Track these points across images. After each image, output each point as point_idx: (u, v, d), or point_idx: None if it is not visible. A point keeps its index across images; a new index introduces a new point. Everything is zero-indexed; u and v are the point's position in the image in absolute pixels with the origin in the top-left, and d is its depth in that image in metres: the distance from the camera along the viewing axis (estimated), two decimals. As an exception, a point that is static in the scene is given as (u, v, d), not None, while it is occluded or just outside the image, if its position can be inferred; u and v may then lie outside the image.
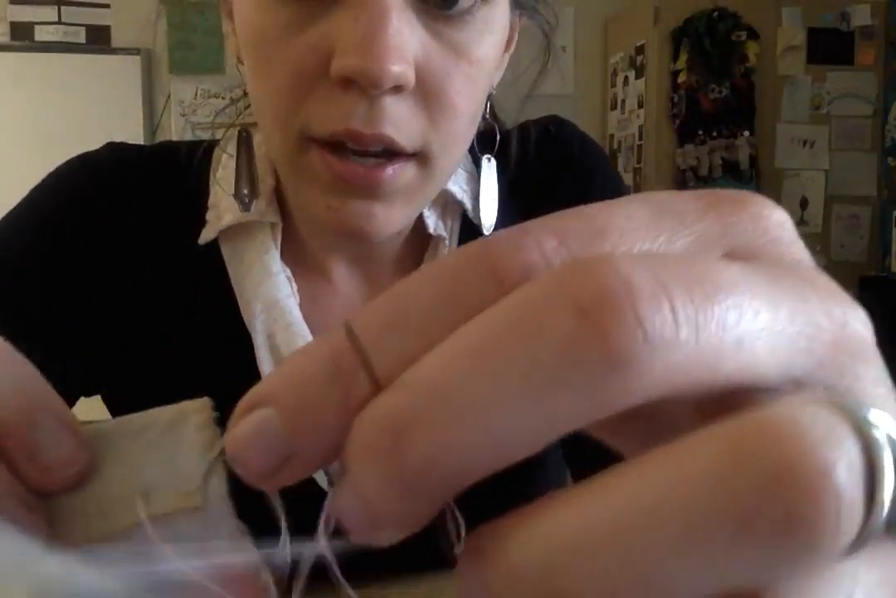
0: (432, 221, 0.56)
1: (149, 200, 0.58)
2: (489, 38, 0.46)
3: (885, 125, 3.59)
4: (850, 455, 0.12)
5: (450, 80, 0.44)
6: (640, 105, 3.59)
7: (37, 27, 3.28)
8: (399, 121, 0.43)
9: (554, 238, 0.15)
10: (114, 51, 3.32)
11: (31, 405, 0.20)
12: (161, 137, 3.35)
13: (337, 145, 0.44)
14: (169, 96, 3.39)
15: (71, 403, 0.57)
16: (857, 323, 0.17)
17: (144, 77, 3.36)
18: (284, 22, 0.43)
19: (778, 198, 3.50)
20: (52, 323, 0.55)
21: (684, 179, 3.44)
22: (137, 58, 3.34)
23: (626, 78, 3.73)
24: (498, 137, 0.57)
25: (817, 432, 0.12)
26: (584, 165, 0.61)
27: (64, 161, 0.60)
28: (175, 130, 3.37)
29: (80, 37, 3.32)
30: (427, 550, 0.58)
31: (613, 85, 3.86)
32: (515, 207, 0.59)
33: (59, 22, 3.29)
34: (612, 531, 0.12)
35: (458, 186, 0.57)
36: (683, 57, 3.39)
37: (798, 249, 0.18)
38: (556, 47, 0.59)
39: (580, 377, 0.13)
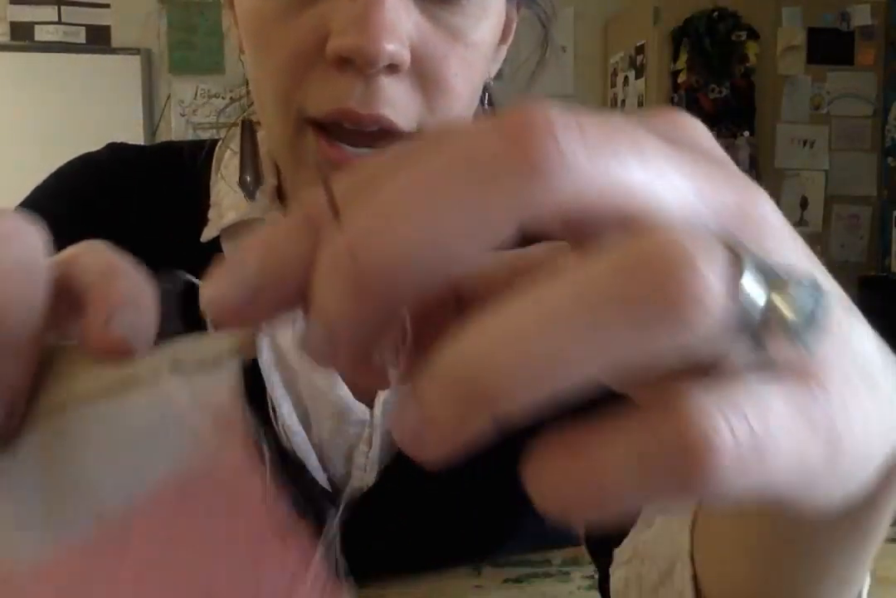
0: None
1: (150, 199, 0.58)
2: (485, 22, 0.46)
3: (885, 125, 3.59)
4: (714, 253, 0.15)
5: (446, 61, 0.45)
6: (640, 105, 3.59)
7: (37, 27, 3.28)
8: (395, 101, 0.44)
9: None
10: (114, 51, 3.32)
11: (118, 271, 0.22)
12: (161, 137, 3.35)
13: (334, 127, 0.44)
14: (169, 96, 3.39)
15: None
16: (769, 207, 0.18)
17: (144, 77, 3.36)
18: (283, 5, 0.44)
19: (778, 198, 3.50)
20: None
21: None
22: (137, 58, 3.34)
23: (626, 78, 3.73)
24: None
25: (691, 237, 0.15)
26: None
27: (65, 161, 0.61)
28: (175, 130, 3.37)
29: (80, 37, 3.32)
30: (427, 550, 0.58)
31: (613, 85, 3.86)
32: None
33: (59, 22, 3.29)
34: (531, 323, 0.14)
35: None
36: (683, 57, 3.39)
37: (718, 151, 0.20)
38: (553, 39, 0.59)
39: (506, 181, 0.15)
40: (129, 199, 0.58)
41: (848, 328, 0.19)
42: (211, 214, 0.56)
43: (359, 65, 0.42)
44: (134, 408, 0.18)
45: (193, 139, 0.62)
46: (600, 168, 0.15)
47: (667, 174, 0.16)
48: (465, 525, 0.60)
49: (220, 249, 0.56)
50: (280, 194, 0.56)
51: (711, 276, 0.14)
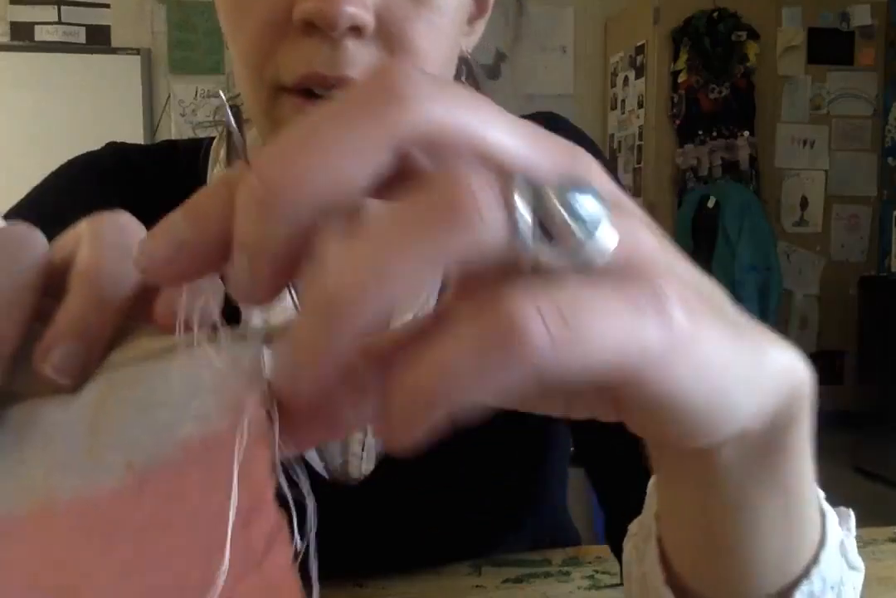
0: None
1: (149, 197, 0.58)
2: None
3: (885, 125, 3.59)
4: (489, 178, 0.19)
5: (410, 23, 0.45)
6: (640, 105, 3.60)
7: (37, 27, 3.28)
8: (362, 64, 0.45)
9: None
10: (114, 51, 3.32)
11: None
12: (161, 136, 3.35)
13: (306, 94, 0.46)
14: (169, 96, 3.39)
15: None
16: (590, 162, 0.22)
17: (144, 77, 3.36)
18: None
19: (778, 198, 3.51)
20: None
21: (684, 179, 3.44)
22: (137, 58, 3.34)
23: (626, 78, 3.73)
24: None
25: (475, 169, 0.19)
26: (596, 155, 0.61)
27: (65, 161, 0.61)
28: (175, 129, 3.37)
29: (80, 37, 3.32)
30: (427, 538, 0.58)
31: (613, 85, 3.86)
32: None
33: (59, 22, 3.30)
34: (366, 248, 0.18)
35: None
36: (683, 57, 3.39)
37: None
38: (526, 4, 0.60)
39: (374, 110, 0.19)
40: (129, 197, 0.58)
41: (663, 247, 0.22)
42: None
43: (323, 28, 0.43)
44: (171, 370, 0.21)
45: (193, 137, 0.62)
46: (448, 104, 0.20)
47: (503, 124, 0.20)
48: (466, 513, 0.60)
49: None
50: None
51: (481, 193, 0.18)
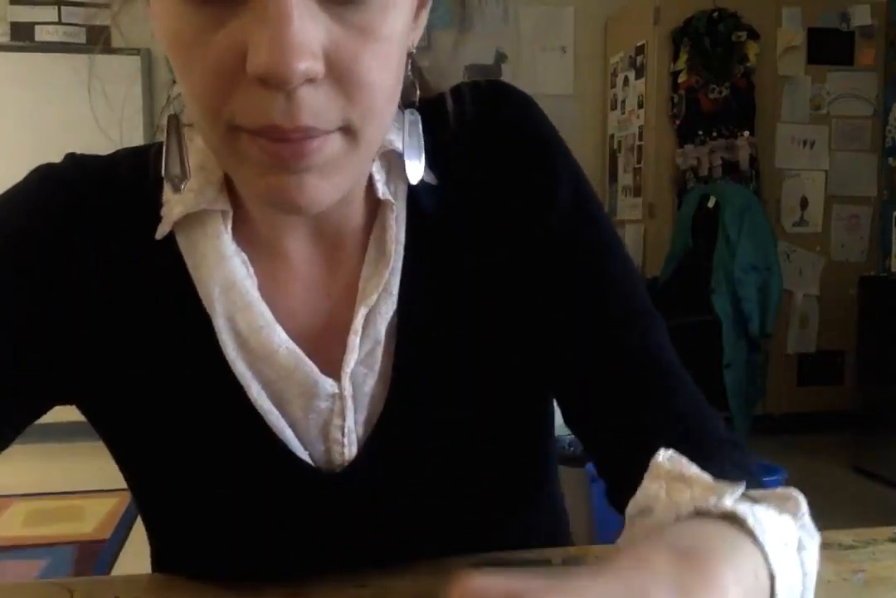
0: (381, 186, 0.58)
1: (110, 205, 0.59)
2: (392, 11, 0.48)
3: (885, 125, 3.60)
4: None
5: (359, 59, 0.46)
6: (640, 105, 3.60)
7: (37, 27, 3.29)
8: (318, 109, 0.46)
9: None
10: (114, 51, 3.33)
11: None
12: (161, 136, 3.35)
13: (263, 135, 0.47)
14: (169, 96, 3.39)
15: (42, 410, 0.58)
16: None
17: (144, 77, 3.36)
18: (197, 26, 0.46)
19: (778, 198, 3.51)
20: (16, 327, 0.56)
21: (684, 179, 3.44)
22: (137, 58, 3.34)
23: (626, 78, 3.73)
24: (419, 99, 0.59)
25: None
26: (539, 129, 0.61)
27: (30, 172, 0.61)
28: (175, 130, 3.37)
29: (81, 37, 3.32)
30: (415, 525, 0.58)
31: (613, 85, 3.86)
32: (464, 165, 0.60)
33: (60, 22, 3.30)
34: None
35: (401, 142, 0.58)
36: (683, 57, 3.40)
37: None
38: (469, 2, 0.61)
39: None
40: (90, 207, 0.59)
41: None
42: (163, 211, 0.57)
43: (276, 84, 0.44)
44: None
45: (158, 141, 0.63)
46: None
47: None
48: (455, 497, 0.60)
49: (176, 246, 0.57)
50: (229, 185, 0.57)
51: None
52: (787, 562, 0.40)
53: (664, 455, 0.49)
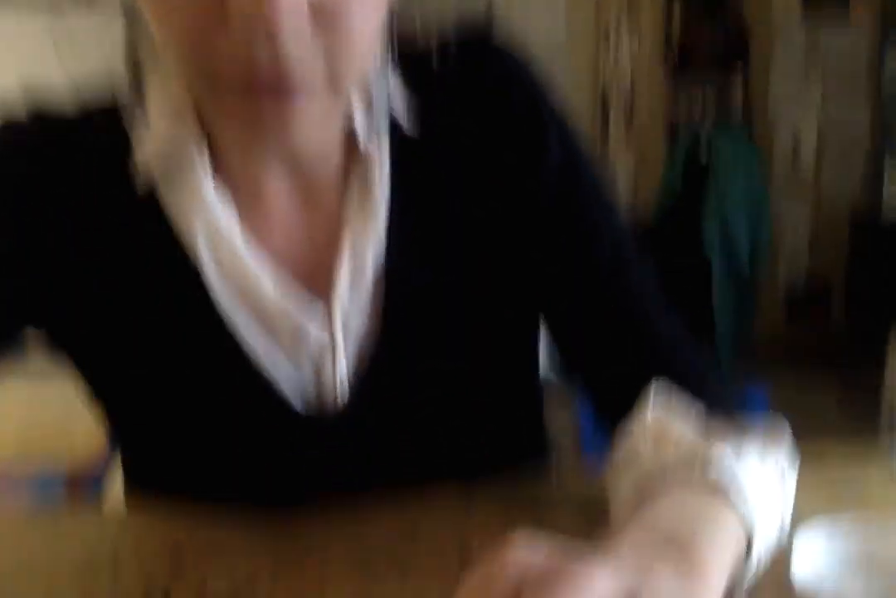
0: (363, 137, 0.57)
1: (82, 160, 0.58)
2: None
3: (881, 73, 3.55)
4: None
5: (343, 6, 0.46)
6: (633, 56, 3.56)
7: None
8: (300, 54, 0.46)
9: None
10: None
11: None
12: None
13: (243, 86, 0.47)
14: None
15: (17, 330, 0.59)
16: None
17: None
18: None
19: (771, 143, 3.49)
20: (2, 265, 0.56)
21: (676, 125, 3.43)
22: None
23: (618, 28, 3.67)
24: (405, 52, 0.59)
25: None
26: (528, 81, 0.61)
27: None
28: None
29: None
30: (410, 467, 0.60)
31: (606, 34, 3.80)
32: (453, 119, 0.60)
33: None
34: None
35: (384, 93, 0.57)
36: (677, 5, 3.35)
37: None
38: None
39: None
40: (57, 163, 0.58)
41: None
42: (137, 155, 0.56)
43: (261, 24, 0.44)
44: None
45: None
46: None
47: None
48: (447, 439, 0.62)
49: (158, 195, 0.56)
50: (201, 119, 0.56)
51: None
52: (766, 524, 0.45)
53: (653, 403, 0.51)
